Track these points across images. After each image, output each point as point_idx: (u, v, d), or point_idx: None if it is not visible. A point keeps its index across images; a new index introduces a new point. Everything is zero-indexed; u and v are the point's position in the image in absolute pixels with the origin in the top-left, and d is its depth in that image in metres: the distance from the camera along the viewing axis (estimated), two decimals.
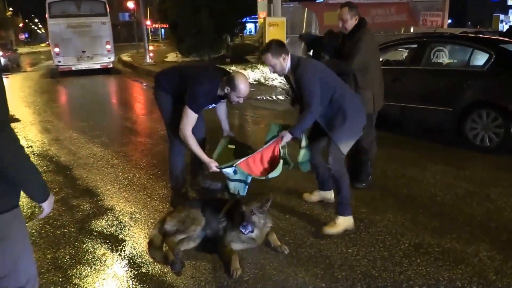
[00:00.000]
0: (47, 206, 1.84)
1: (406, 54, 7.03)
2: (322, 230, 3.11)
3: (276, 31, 11.80)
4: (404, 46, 6.84)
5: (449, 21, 21.23)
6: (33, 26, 76.08)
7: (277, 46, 3.15)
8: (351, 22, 3.83)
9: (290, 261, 2.87)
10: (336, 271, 2.73)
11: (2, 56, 18.87)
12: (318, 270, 2.75)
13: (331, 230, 3.13)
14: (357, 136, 3.29)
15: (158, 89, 3.60)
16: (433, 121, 5.65)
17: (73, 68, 15.45)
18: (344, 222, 3.15)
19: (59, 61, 15.40)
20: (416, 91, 5.71)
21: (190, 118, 3.30)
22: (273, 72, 3.28)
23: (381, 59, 6.58)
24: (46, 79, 15.66)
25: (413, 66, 5.83)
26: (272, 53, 3.15)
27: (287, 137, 3.22)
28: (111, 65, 16.07)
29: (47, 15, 15.41)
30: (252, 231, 2.90)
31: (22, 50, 37.82)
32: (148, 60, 17.33)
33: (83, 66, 15.48)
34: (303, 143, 3.34)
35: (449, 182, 4.19)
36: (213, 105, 3.52)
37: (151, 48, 30.39)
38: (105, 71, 15.91)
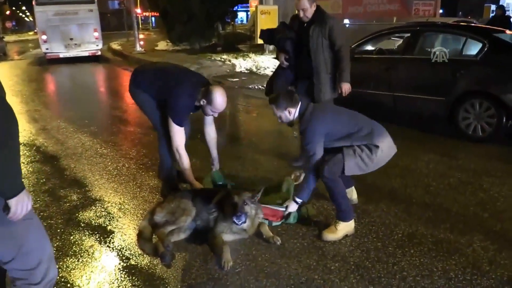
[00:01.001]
0: (14, 205, 1.54)
1: (399, 43, 6.98)
2: (322, 236, 2.96)
3: (267, 19, 11.66)
4: (397, 35, 6.78)
5: (441, 11, 21.21)
6: (20, 14, 74.57)
7: (283, 99, 3.09)
8: (311, 10, 3.94)
9: (283, 253, 2.82)
10: (329, 262, 2.69)
11: None
12: (311, 262, 2.70)
13: (331, 236, 2.94)
14: (365, 171, 3.07)
15: (137, 89, 3.50)
16: (426, 111, 5.62)
17: (61, 56, 15.35)
18: (345, 228, 2.98)
19: (46, 49, 15.31)
20: (409, 81, 5.66)
21: (178, 132, 3.33)
22: (281, 122, 3.22)
23: (374, 48, 6.60)
24: (34, 68, 15.36)
25: (406, 55, 5.77)
26: (277, 105, 3.13)
27: (293, 207, 3.13)
28: (99, 53, 16.08)
29: (34, 2, 15.25)
30: (245, 222, 2.85)
31: (9, 38, 37.07)
32: (138, 48, 17.05)
33: (71, 53, 15.43)
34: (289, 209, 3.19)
35: (442, 172, 4.17)
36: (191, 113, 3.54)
37: (141, 36, 30.00)
38: (93, 58, 15.79)
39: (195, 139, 4.20)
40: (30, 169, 4.56)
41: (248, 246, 2.90)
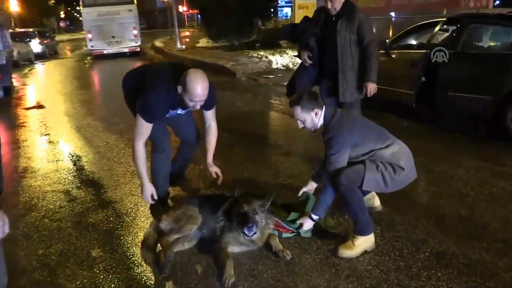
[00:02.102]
0: None
1: (444, 36, 6.45)
2: (337, 251, 2.67)
3: (306, 13, 11.29)
4: (441, 28, 6.24)
5: (497, 1, 19.81)
6: (75, 14, 78.38)
7: (310, 98, 2.74)
8: (340, 1, 3.65)
9: (292, 269, 2.56)
10: (342, 283, 2.41)
11: (39, 43, 19.47)
12: (322, 281, 2.43)
13: (347, 252, 2.64)
14: (382, 191, 2.80)
15: (125, 90, 3.19)
16: (470, 111, 5.11)
17: (105, 52, 16.99)
18: (364, 243, 2.67)
19: (92, 46, 17.11)
20: (452, 77, 5.17)
21: (141, 128, 2.85)
22: (302, 128, 2.85)
23: (415, 42, 6.14)
24: (79, 65, 15.97)
25: (450, 49, 5.27)
26: (302, 106, 2.72)
27: (308, 224, 2.82)
28: (138, 49, 17.43)
29: (81, 5, 17.26)
30: (256, 233, 2.63)
31: (63, 37, 38.99)
32: (179, 45, 17.20)
33: (113, 50, 17.01)
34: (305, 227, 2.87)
35: (484, 180, 3.73)
36: (180, 111, 3.06)
37: (187, 34, 30.54)
38: (133, 54, 17.32)
39: None
40: (51, 167, 4.58)
41: (255, 260, 2.68)
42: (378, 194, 3.18)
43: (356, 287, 2.37)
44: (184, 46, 17.43)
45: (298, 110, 2.75)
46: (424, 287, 2.35)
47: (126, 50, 17.04)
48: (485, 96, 4.79)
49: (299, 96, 2.78)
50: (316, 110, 2.73)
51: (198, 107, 2.82)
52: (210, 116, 3.20)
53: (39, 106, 8.21)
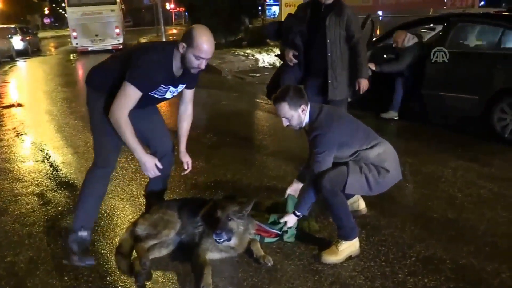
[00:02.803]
0: None
1: (430, 36, 6.41)
2: (321, 257, 2.55)
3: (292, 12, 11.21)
4: (427, 27, 6.21)
5: (482, 2, 19.97)
6: (60, 11, 77.28)
7: (296, 94, 2.58)
8: None
9: (273, 276, 2.45)
10: None
11: (21, 40, 19.12)
12: None
13: (331, 258, 2.53)
14: (366, 194, 2.72)
15: (91, 89, 2.55)
16: (457, 110, 5.07)
17: (89, 49, 17.74)
18: (348, 248, 2.55)
19: (76, 43, 17.98)
20: (438, 77, 5.12)
21: (128, 97, 2.31)
22: (287, 126, 2.69)
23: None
24: (63, 63, 15.63)
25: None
26: (289, 102, 2.55)
27: (292, 220, 2.70)
28: (121, 46, 17.69)
29: (66, 4, 18.11)
30: (228, 240, 2.50)
31: (47, 34, 38.40)
32: None
33: (97, 47, 17.74)
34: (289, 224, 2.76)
35: (472, 181, 3.66)
36: (172, 90, 2.54)
37: (174, 31, 30.26)
38: (117, 51, 16.61)
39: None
40: (26, 168, 4.39)
41: (235, 267, 2.55)
42: (363, 196, 3.08)
43: None
44: None
45: (285, 107, 2.57)
46: None
47: (110, 47, 17.64)
48: (472, 95, 4.74)
49: (284, 92, 2.60)
50: (303, 106, 2.59)
51: (203, 66, 2.40)
52: (189, 96, 2.78)
53: (18, 105, 7.96)
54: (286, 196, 2.98)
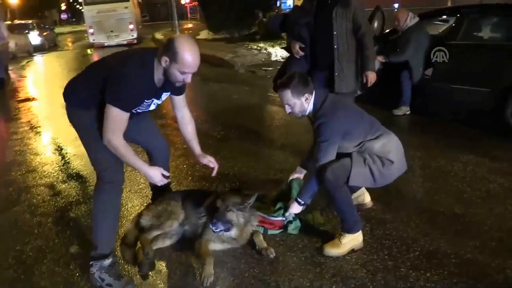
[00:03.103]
0: None
1: (445, 28, 6.29)
2: (323, 250, 2.55)
3: None
4: (440, 19, 6.09)
5: None
6: (77, 6, 78.16)
7: (300, 81, 2.54)
8: None
9: (275, 268, 2.46)
10: (326, 284, 2.30)
11: (38, 35, 19.56)
12: (304, 282, 2.32)
13: (333, 250, 2.53)
14: (371, 186, 2.69)
15: (72, 108, 2.35)
16: (468, 104, 4.98)
17: (105, 44, 18.59)
18: (351, 241, 2.54)
19: (93, 40, 18.93)
20: (450, 69, 5.03)
21: (116, 120, 2.16)
22: (290, 113, 2.65)
23: None
24: (79, 58, 15.84)
25: (448, 41, 5.12)
26: (293, 90, 2.51)
27: (295, 208, 2.68)
28: (135, 41, 18.94)
29: (82, 3, 19.25)
30: (226, 230, 2.53)
31: (64, 29, 38.83)
32: None
33: (112, 42, 18.68)
34: (290, 217, 2.78)
35: (482, 176, 3.59)
36: (155, 102, 2.40)
37: (189, 26, 30.33)
38: (132, 45, 17.91)
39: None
40: (38, 161, 4.49)
41: (238, 258, 2.57)
42: (369, 189, 3.06)
43: None
44: None
45: (288, 94, 2.54)
46: None
47: (125, 42, 18.52)
48: (484, 88, 4.65)
49: (289, 79, 2.57)
50: (307, 95, 2.56)
51: (189, 80, 2.24)
52: (181, 102, 2.63)
53: (34, 99, 8.12)
54: (288, 181, 3.01)
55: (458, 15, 5.19)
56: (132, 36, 18.90)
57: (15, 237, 2.96)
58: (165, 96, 2.45)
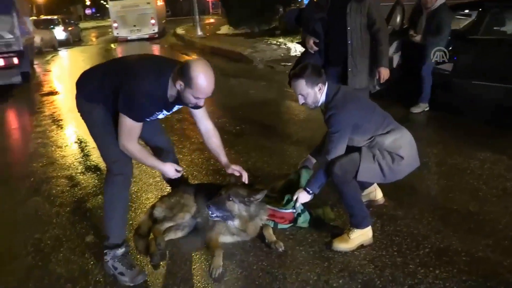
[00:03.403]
0: None
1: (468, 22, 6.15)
2: (332, 245, 2.56)
3: None
4: (462, 13, 5.95)
5: None
6: (101, 1, 79.19)
7: (314, 72, 2.54)
8: None
9: (283, 261, 2.48)
10: (333, 278, 2.31)
11: (63, 30, 20.09)
12: (312, 275, 2.34)
13: (342, 245, 2.53)
14: (380, 181, 2.69)
15: (83, 100, 2.39)
16: (490, 100, 4.86)
17: (128, 38, 19.62)
18: (360, 237, 2.54)
19: (117, 33, 19.99)
20: (472, 65, 4.92)
21: (130, 129, 2.23)
22: (303, 104, 2.64)
23: None
24: (103, 52, 16.13)
25: (470, 35, 5.01)
26: (307, 79, 2.51)
27: (303, 197, 2.65)
28: (156, 35, 19.93)
29: None
30: (223, 219, 2.60)
31: (88, 24, 39.53)
32: (199, 33, 17.17)
33: (135, 36, 19.66)
34: (299, 209, 2.79)
35: (499, 174, 3.51)
36: (164, 112, 2.44)
37: (211, 21, 30.50)
38: (153, 39, 19.61)
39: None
40: (59, 153, 4.63)
41: (247, 251, 2.61)
42: (381, 186, 3.04)
43: (347, 283, 2.27)
44: (204, 34, 17.37)
45: (302, 84, 2.53)
46: (419, 285, 2.22)
47: (146, 36, 19.55)
48: (507, 84, 4.53)
49: (302, 69, 2.57)
50: (320, 85, 2.56)
51: (202, 103, 2.32)
52: (203, 115, 2.61)
53: (57, 92, 8.34)
54: (298, 168, 3.04)
55: (480, 9, 5.06)
56: (154, 30, 19.79)
57: (34, 226, 3.07)
58: (176, 108, 2.48)
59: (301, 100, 2.63)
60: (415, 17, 5.34)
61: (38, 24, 17.23)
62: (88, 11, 54.64)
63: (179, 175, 2.54)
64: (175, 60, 2.43)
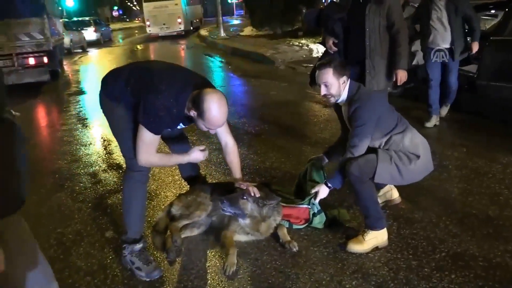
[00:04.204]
0: None
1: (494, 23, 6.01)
2: (346, 246, 2.56)
3: None
4: (488, 13, 5.82)
5: None
6: (128, 3, 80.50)
7: (341, 64, 2.60)
8: None
9: (296, 261, 2.50)
10: (346, 279, 2.31)
11: (94, 31, 22.28)
12: (325, 276, 2.35)
13: (357, 247, 2.52)
14: (397, 183, 2.70)
15: (107, 99, 2.43)
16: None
17: (159, 34, 22.63)
18: (375, 239, 2.53)
19: (149, 30, 23.12)
20: (497, 67, 4.80)
21: (149, 142, 2.28)
22: (324, 95, 2.62)
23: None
24: (127, 53, 16.48)
25: (495, 36, 4.89)
26: (335, 69, 2.54)
27: (324, 192, 2.64)
28: (183, 32, 22.83)
29: (143, 0, 23.26)
30: (236, 215, 2.64)
31: (115, 26, 40.39)
32: (222, 34, 17.31)
33: (164, 33, 22.66)
34: (315, 208, 2.79)
35: None
36: (181, 125, 2.52)
37: (236, 22, 30.72)
38: (180, 36, 22.42)
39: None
40: (83, 151, 4.77)
41: (261, 250, 2.63)
42: (399, 189, 3.02)
43: (361, 284, 2.27)
44: (227, 35, 17.51)
45: (329, 72, 2.54)
46: None
47: (175, 33, 22.59)
48: None
49: (330, 60, 2.62)
50: (345, 77, 2.59)
51: (213, 132, 2.41)
52: (224, 129, 2.59)
53: (83, 92, 8.58)
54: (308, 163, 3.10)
55: (507, 9, 4.94)
56: (180, 28, 22.66)
57: (57, 221, 3.19)
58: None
59: (323, 91, 2.63)
60: None
61: (69, 25, 17.91)
62: (115, 13, 55.78)
63: (206, 153, 2.52)
64: (197, 77, 2.47)
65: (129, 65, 2.63)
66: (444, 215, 2.91)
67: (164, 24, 22.38)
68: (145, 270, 2.44)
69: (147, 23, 22.98)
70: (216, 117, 2.21)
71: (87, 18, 23.59)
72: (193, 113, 2.25)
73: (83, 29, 19.70)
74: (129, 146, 2.39)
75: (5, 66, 8.11)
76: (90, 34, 21.12)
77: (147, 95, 2.24)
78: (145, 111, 2.23)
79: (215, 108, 2.18)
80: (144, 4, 23.20)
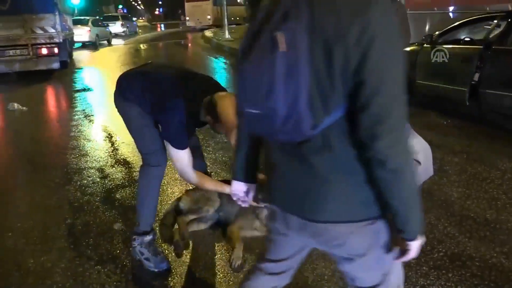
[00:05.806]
0: (414, 249, 1.24)
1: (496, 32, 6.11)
2: None
3: None
4: (491, 22, 5.92)
5: None
6: (133, 2, 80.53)
7: None
8: None
9: None
10: None
11: (121, 25, 28.41)
12: (327, 271, 2.45)
13: None
14: None
15: (122, 99, 2.46)
16: None
17: (197, 28, 28.04)
18: None
19: (188, 24, 29.85)
20: (499, 75, 4.91)
21: (182, 158, 2.38)
22: None
23: (463, 37, 5.86)
24: (132, 51, 16.60)
25: (498, 45, 5.00)
26: None
27: None
28: (210, 22, 27.66)
29: (185, 2, 29.49)
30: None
31: None
32: (227, 36, 17.42)
33: (198, 26, 28.16)
34: None
35: None
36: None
37: (240, 25, 31.04)
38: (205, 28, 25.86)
39: None
40: (90, 146, 4.86)
41: None
42: None
43: None
44: (231, 37, 17.61)
45: None
46: (431, 286, 2.29)
47: (206, 27, 26.49)
48: None
49: None
50: None
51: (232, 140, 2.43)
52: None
53: (87, 89, 8.67)
54: None
55: (510, 20, 5.05)
56: (209, 22, 27.97)
57: (67, 212, 3.28)
58: None
59: None
60: None
61: (97, 21, 21.12)
62: (119, 11, 55.93)
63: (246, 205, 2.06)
64: (207, 81, 2.55)
65: (147, 71, 2.55)
66: (443, 217, 3.00)
67: (198, 19, 28.64)
68: (154, 261, 2.53)
69: (187, 18, 29.86)
70: (232, 116, 2.23)
71: (116, 14, 31.02)
72: (209, 119, 2.34)
73: (109, 24, 24.46)
74: (146, 142, 2.46)
75: (22, 54, 9.70)
76: (117, 28, 27.64)
77: (167, 115, 2.29)
78: (170, 133, 2.32)
79: (228, 108, 2.24)
80: (186, 4, 29.75)
